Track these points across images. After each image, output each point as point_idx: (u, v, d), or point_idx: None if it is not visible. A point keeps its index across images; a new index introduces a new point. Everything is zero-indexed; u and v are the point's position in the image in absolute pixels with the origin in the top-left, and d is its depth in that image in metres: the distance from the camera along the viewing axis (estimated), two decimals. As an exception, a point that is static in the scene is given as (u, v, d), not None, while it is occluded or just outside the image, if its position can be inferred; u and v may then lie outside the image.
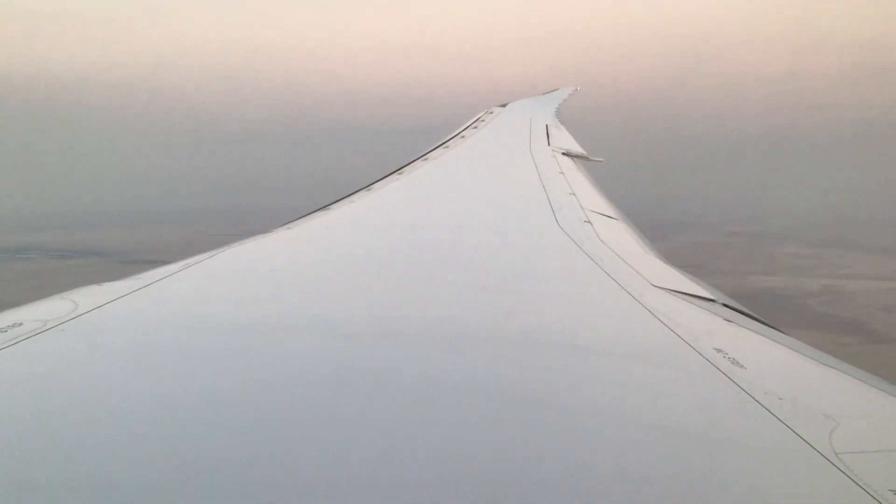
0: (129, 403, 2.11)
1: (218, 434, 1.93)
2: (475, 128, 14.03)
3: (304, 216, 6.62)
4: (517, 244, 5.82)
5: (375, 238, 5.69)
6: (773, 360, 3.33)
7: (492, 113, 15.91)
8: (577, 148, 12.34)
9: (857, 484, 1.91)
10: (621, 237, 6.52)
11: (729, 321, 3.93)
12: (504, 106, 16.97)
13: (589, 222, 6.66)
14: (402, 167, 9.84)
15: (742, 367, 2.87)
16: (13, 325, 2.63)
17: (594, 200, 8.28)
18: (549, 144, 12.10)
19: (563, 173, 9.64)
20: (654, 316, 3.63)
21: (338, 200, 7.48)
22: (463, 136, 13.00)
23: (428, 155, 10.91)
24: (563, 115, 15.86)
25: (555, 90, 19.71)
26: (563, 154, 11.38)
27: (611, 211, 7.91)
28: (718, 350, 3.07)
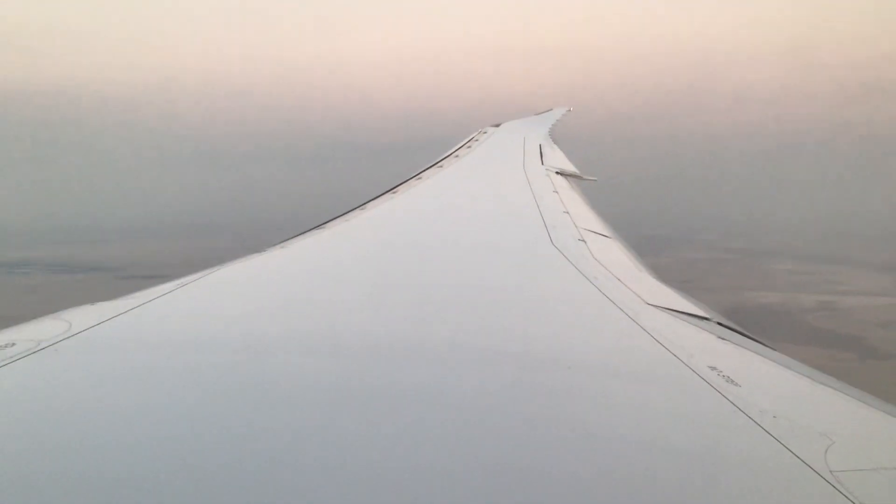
0: (123, 423, 2.11)
1: (212, 454, 1.93)
2: (469, 147, 14.09)
3: (298, 235, 6.64)
4: (511, 262, 5.83)
5: (370, 257, 5.69)
6: (768, 378, 3.34)
7: (486, 133, 16.00)
8: (570, 167, 12.41)
9: (852, 502, 1.90)
10: (615, 255, 6.54)
11: (723, 339, 3.94)
12: (498, 126, 17.07)
13: (583, 240, 6.68)
14: (396, 186, 9.88)
15: (736, 384, 2.87)
16: (7, 345, 2.63)
17: (588, 219, 8.31)
18: (542, 163, 12.17)
19: (556, 192, 9.69)
20: (649, 334, 3.64)
21: (332, 219, 7.49)
22: (457, 156, 13.06)
23: (422, 174, 10.96)
24: (556, 135, 15.95)
25: (548, 110, 19.85)
26: (557, 173, 11.43)
27: (604, 229, 7.94)
28: (713, 368, 3.07)
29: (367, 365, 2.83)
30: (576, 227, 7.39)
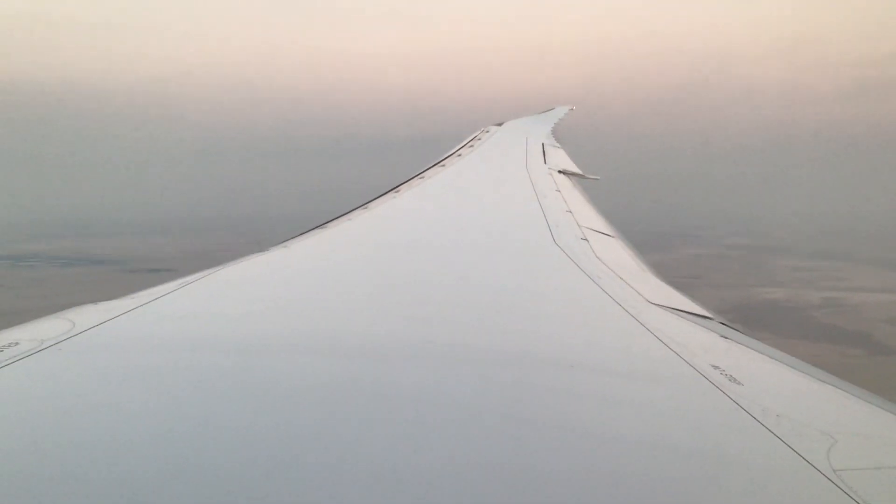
0: (127, 423, 2.11)
1: (216, 454, 1.93)
2: (471, 146, 14.07)
3: (300, 234, 6.64)
4: (514, 261, 5.83)
5: (372, 256, 5.69)
6: (770, 377, 3.33)
7: (488, 132, 15.96)
8: (573, 166, 12.38)
9: (855, 501, 1.90)
10: (617, 254, 6.54)
11: (725, 338, 3.94)
12: (500, 125, 17.03)
13: (585, 239, 6.68)
14: (399, 185, 9.89)
15: (739, 383, 2.87)
16: (10, 345, 2.63)
17: (590, 218, 8.31)
18: (545, 163, 12.14)
19: (559, 191, 9.68)
20: (651, 332, 3.64)
21: (335, 218, 7.49)
22: (459, 155, 13.04)
23: (424, 173, 10.96)
24: (559, 134, 15.90)
25: (551, 109, 19.79)
26: (560, 172, 11.42)
27: (607, 228, 7.94)
28: (715, 367, 3.07)
29: (370, 364, 2.83)
30: (578, 226, 7.38)
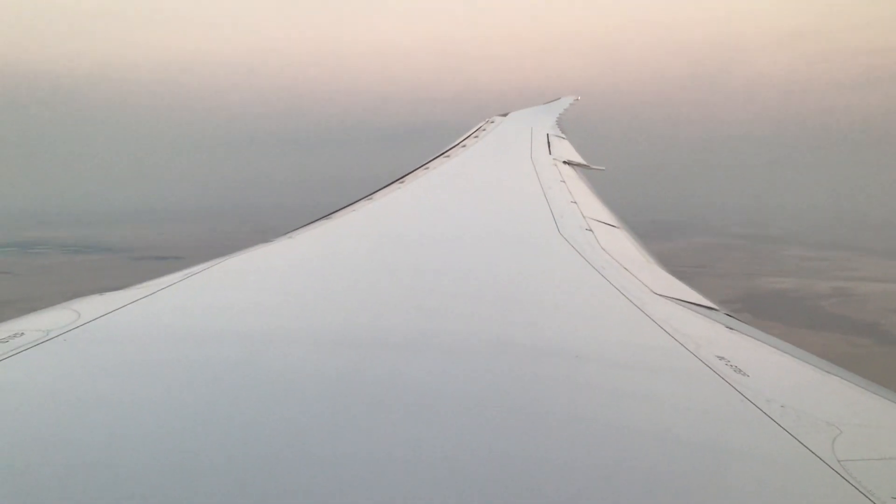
0: (131, 414, 2.12)
1: (221, 444, 1.94)
2: (476, 137, 14.00)
3: (305, 225, 6.64)
4: (519, 252, 5.82)
5: (377, 247, 5.69)
6: (775, 368, 3.33)
7: (493, 122, 15.88)
8: (578, 157, 12.32)
9: (859, 491, 1.91)
10: (622, 245, 6.53)
11: (731, 329, 3.93)
12: (505, 115, 16.93)
13: (590, 230, 6.66)
14: (404, 176, 9.86)
15: (744, 374, 2.87)
16: (15, 335, 2.64)
17: (595, 209, 8.29)
18: (550, 153, 12.09)
19: (564, 182, 9.65)
20: (656, 324, 3.64)
21: (339, 209, 7.49)
22: (464, 146, 12.98)
23: (429, 164, 10.91)
24: (564, 125, 15.78)
25: (556, 99, 19.65)
26: (565, 163, 11.37)
27: (612, 219, 7.92)
28: (721, 358, 3.07)
29: (375, 355, 2.84)
30: (583, 216, 7.37)
